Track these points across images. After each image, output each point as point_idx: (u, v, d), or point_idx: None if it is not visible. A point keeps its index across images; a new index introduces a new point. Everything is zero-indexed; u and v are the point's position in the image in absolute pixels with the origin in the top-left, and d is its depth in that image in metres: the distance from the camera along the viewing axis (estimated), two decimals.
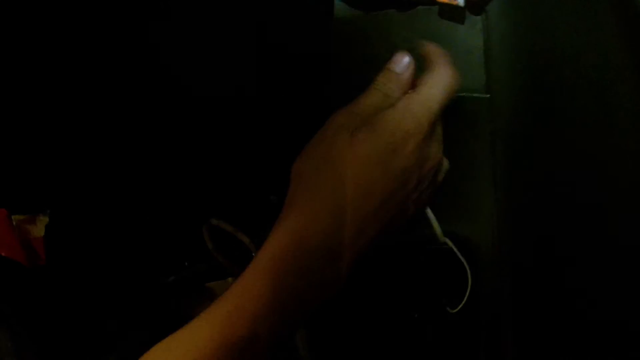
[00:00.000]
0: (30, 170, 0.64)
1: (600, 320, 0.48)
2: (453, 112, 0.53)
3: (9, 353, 0.55)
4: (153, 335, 0.49)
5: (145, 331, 0.63)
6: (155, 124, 0.64)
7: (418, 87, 0.45)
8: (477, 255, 0.64)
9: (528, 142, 0.52)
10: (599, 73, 0.41)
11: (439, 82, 0.44)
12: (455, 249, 0.60)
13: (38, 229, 0.66)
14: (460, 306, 0.62)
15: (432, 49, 0.46)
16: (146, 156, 0.65)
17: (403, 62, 0.45)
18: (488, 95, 0.53)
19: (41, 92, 0.61)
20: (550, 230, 0.53)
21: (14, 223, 0.65)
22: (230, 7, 0.55)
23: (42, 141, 0.63)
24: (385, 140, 0.42)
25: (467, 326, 0.64)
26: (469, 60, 0.53)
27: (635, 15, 0.37)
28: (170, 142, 0.65)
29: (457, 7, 0.48)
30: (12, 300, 0.59)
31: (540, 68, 0.49)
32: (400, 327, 0.66)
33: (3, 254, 0.63)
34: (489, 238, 0.61)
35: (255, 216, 0.69)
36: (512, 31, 0.50)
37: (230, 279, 0.68)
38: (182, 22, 0.60)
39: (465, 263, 0.61)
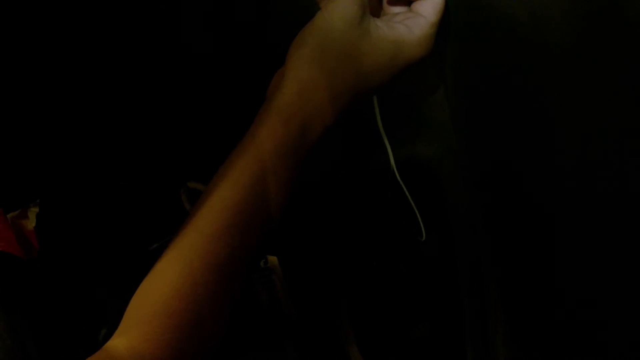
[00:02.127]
0: (19, 164, 0.69)
1: (570, 233, 0.45)
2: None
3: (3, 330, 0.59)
4: None
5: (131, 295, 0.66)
6: (133, 91, 0.67)
7: (423, 12, 0.48)
8: (440, 174, 0.59)
9: (476, 62, 0.50)
10: None
11: (441, 6, 0.48)
12: (401, 182, 0.58)
13: (30, 222, 0.70)
14: (424, 234, 0.60)
15: None
16: (128, 125, 0.67)
17: None
18: None
19: (21, 81, 0.64)
20: (508, 146, 0.48)
21: (9, 220, 0.70)
22: None
23: (26, 133, 0.67)
24: (405, 56, 0.47)
25: (441, 255, 0.59)
26: None
27: None
28: (144, 108, 0.68)
29: None
30: (8, 284, 0.64)
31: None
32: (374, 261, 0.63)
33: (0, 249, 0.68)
34: (449, 156, 0.57)
35: None
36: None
37: None
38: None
39: (407, 193, 0.59)
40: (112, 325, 0.66)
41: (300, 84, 0.45)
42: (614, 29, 0.32)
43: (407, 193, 0.59)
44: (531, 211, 0.49)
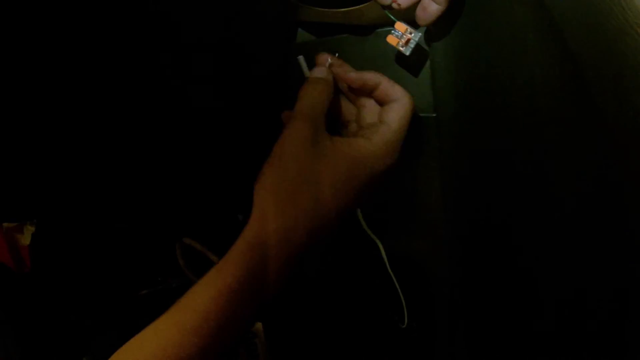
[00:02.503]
0: (19, 180, 0.69)
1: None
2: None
3: None
4: (123, 338, 0.52)
5: (115, 332, 0.66)
6: (133, 145, 0.68)
7: (386, 119, 0.50)
8: (430, 269, 0.66)
9: (470, 155, 0.56)
10: (527, 94, 0.46)
11: (405, 113, 0.50)
12: (391, 272, 0.64)
13: (25, 238, 0.70)
14: (406, 322, 0.66)
15: (385, 84, 0.51)
16: (125, 176, 0.69)
17: (323, 57, 0.53)
18: (435, 115, 0.58)
19: (27, 103, 0.65)
20: (498, 241, 0.55)
21: (4, 230, 0.70)
22: (194, 28, 0.60)
23: (29, 151, 0.68)
24: (367, 169, 0.48)
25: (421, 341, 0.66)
26: (417, 81, 0.58)
27: (555, 38, 0.42)
28: (146, 164, 0.69)
29: (403, 55, 0.54)
30: (1, 300, 0.63)
31: (477, 89, 0.54)
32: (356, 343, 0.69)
33: None
34: (440, 252, 0.64)
35: (223, 234, 0.74)
36: (453, 56, 0.55)
37: None
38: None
39: (396, 283, 0.66)
40: (93, 355, 0.66)
41: (261, 212, 0.46)
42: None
43: (395, 283, 0.66)
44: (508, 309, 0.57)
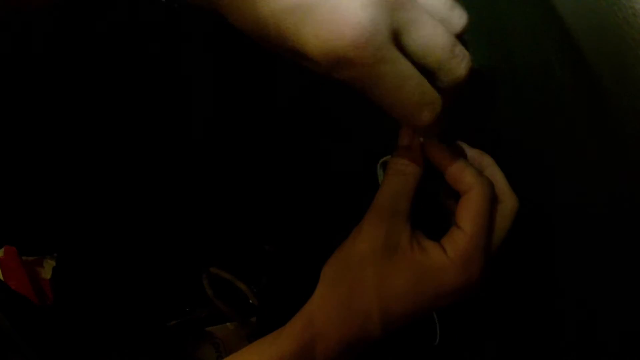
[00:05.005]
0: (39, 214, 0.67)
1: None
2: None
3: None
4: None
5: None
6: (157, 175, 0.69)
7: (460, 221, 0.41)
8: None
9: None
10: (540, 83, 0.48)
11: (481, 209, 0.41)
12: None
13: (46, 271, 0.67)
14: (438, 339, 0.68)
15: (454, 167, 0.43)
16: (149, 206, 0.69)
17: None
18: None
19: (48, 136, 0.66)
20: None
21: (23, 262, 0.66)
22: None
23: (50, 187, 0.67)
24: (435, 284, 0.41)
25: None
26: None
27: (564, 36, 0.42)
28: (172, 195, 0.70)
29: None
30: (25, 333, 0.59)
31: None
32: None
33: (12, 286, 0.64)
34: None
35: (251, 264, 0.75)
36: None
37: (229, 324, 0.71)
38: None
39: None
40: None
41: (321, 297, 0.43)
42: None
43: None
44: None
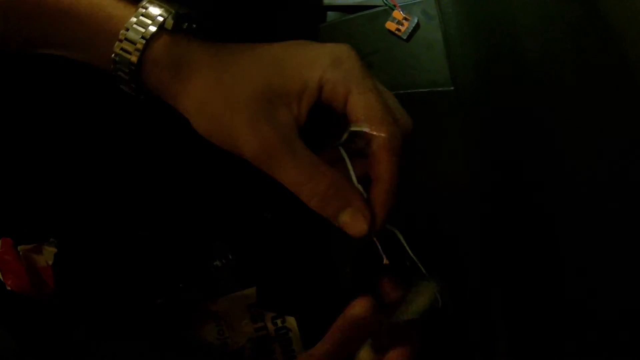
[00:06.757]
0: (35, 201, 0.67)
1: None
2: (421, 108, 0.55)
3: None
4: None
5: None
6: (153, 150, 0.67)
7: None
8: (460, 248, 0.64)
9: (494, 127, 0.53)
10: (548, 56, 0.44)
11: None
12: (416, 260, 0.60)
13: (44, 258, 0.68)
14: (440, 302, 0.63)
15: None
16: (144, 177, 0.68)
17: (364, 305, 0.45)
18: (452, 88, 0.55)
19: (45, 121, 0.64)
20: (528, 212, 0.54)
21: (20, 253, 0.68)
22: None
23: (44, 170, 0.66)
24: None
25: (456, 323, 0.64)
26: (431, 55, 0.55)
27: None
28: (169, 165, 0.68)
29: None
30: (20, 333, 0.62)
31: (497, 55, 0.51)
32: None
33: (9, 283, 0.66)
34: (472, 231, 0.62)
35: (250, 232, 0.72)
36: (467, 22, 0.52)
37: (228, 296, 0.70)
38: None
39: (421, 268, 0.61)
40: None
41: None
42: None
43: (421, 267, 0.61)
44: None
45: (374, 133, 0.39)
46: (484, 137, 0.55)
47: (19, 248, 0.68)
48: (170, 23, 0.44)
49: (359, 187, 0.42)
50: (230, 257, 0.69)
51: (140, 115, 0.62)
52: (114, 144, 0.66)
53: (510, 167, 0.52)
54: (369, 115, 0.39)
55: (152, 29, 0.42)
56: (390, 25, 0.55)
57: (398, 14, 0.54)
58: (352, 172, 0.42)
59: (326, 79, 0.40)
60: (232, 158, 0.69)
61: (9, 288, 0.66)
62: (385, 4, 0.55)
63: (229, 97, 0.41)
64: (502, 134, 0.53)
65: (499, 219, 0.56)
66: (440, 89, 0.56)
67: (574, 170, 0.46)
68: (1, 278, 0.68)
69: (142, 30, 0.42)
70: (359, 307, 0.44)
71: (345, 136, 0.42)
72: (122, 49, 0.42)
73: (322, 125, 0.45)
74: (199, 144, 0.66)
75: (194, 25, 0.46)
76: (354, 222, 0.41)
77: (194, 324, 0.68)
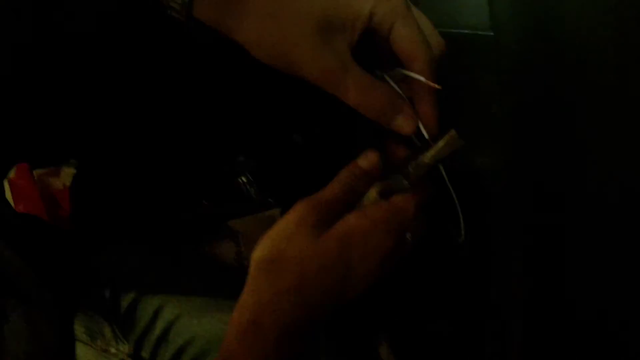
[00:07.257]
0: (52, 124, 0.66)
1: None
2: (459, 50, 0.55)
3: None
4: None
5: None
6: (181, 67, 0.66)
7: (394, 200, 0.45)
8: (492, 182, 0.66)
9: (533, 77, 0.54)
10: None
11: (415, 200, 0.46)
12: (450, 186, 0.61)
13: (61, 181, 0.68)
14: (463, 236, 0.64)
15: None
16: (172, 98, 0.67)
17: (371, 158, 0.47)
18: (492, 33, 0.55)
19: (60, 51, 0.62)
20: (553, 161, 0.55)
21: (35, 177, 0.67)
22: None
23: (63, 94, 0.64)
24: (352, 251, 0.43)
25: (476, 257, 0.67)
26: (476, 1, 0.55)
27: None
28: (199, 86, 0.68)
29: None
30: (32, 257, 0.61)
31: (541, 5, 0.51)
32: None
33: (20, 208, 0.65)
34: (502, 167, 0.63)
35: (279, 154, 0.73)
36: None
37: (249, 217, 0.70)
38: None
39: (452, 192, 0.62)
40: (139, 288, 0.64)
41: (251, 278, 0.44)
42: None
43: (454, 196, 0.62)
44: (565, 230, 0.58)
45: (419, 78, 0.45)
46: (517, 84, 0.56)
47: (35, 172, 0.67)
48: None
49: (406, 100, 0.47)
50: (255, 174, 0.70)
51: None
52: (141, 60, 0.65)
53: (551, 121, 0.53)
54: (408, 47, 0.45)
55: None
56: None
57: None
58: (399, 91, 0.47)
59: (375, 11, 0.44)
60: (266, 78, 0.69)
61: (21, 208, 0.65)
62: None
63: (288, 30, 0.44)
64: (533, 85, 0.53)
65: (533, 169, 0.58)
66: (480, 32, 0.56)
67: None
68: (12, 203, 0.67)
69: None
70: (366, 159, 0.47)
71: (394, 71, 0.47)
72: None
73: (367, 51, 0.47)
74: (238, 63, 0.66)
75: None
76: (406, 124, 0.46)
77: (213, 241, 0.69)
